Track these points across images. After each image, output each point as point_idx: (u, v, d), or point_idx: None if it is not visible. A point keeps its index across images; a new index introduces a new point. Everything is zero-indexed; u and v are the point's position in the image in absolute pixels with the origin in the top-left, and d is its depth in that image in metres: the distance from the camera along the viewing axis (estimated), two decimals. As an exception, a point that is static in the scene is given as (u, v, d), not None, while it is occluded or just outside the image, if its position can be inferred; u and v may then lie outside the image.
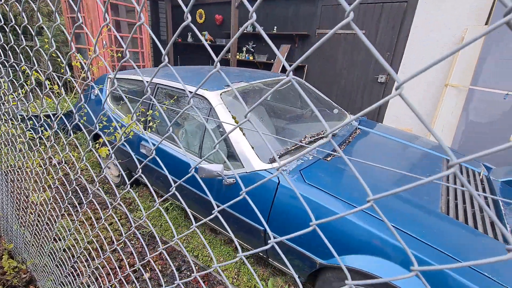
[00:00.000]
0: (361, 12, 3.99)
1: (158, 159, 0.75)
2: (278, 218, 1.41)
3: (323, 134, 1.88)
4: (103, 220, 0.92)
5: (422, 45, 3.54)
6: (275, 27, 4.89)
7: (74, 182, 0.97)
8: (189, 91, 1.88)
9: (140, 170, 0.73)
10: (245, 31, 5.26)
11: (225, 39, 5.65)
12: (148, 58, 4.36)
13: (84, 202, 0.94)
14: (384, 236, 1.14)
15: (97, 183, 0.86)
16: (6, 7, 1.01)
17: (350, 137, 2.03)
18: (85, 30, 0.70)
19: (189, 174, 0.66)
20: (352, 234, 1.21)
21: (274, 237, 0.52)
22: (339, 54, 4.33)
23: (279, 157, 1.57)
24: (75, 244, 1.26)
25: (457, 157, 1.48)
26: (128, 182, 0.80)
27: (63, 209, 1.16)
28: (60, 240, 1.61)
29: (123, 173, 0.93)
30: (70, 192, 1.05)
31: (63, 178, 1.27)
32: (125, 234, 0.96)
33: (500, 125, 2.96)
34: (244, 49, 5.48)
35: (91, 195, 0.95)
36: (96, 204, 0.87)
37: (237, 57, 5.40)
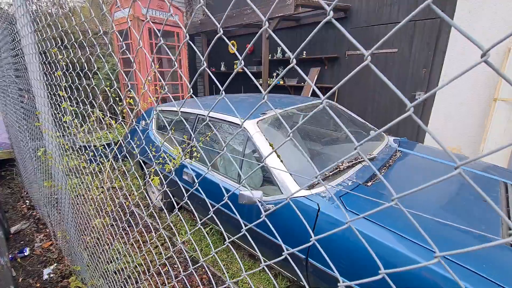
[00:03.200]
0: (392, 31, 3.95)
1: (199, 189, 0.82)
2: (322, 244, 1.38)
3: (361, 158, 1.85)
4: (150, 243, 1.00)
5: (462, 60, 3.37)
6: (304, 52, 5.03)
7: (131, 208, 1.08)
8: (232, 121, 2.00)
9: (186, 198, 0.80)
10: (275, 57, 5.48)
11: (256, 66, 5.93)
12: (187, 89, 4.72)
13: (137, 227, 1.04)
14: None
15: (150, 209, 0.95)
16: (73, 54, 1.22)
17: (390, 160, 1.96)
18: (133, 68, 0.83)
19: (224, 200, 0.72)
20: (398, 263, 1.15)
21: (312, 263, 0.54)
22: (370, 74, 4.28)
23: (317, 183, 1.57)
24: (124, 267, 1.37)
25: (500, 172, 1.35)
26: (176, 207, 0.88)
27: (118, 234, 1.29)
28: (111, 263, 1.75)
29: (173, 199, 1.02)
30: (127, 217, 1.17)
31: (118, 205, 1.41)
32: (166, 256, 1.03)
33: None
34: (275, 74, 5.68)
35: (144, 220, 1.04)
36: (152, 227, 0.95)
37: (269, 82, 5.60)
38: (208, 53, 0.62)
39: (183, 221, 0.79)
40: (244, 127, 1.86)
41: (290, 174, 1.58)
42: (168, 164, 1.44)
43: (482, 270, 1.04)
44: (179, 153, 1.56)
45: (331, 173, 1.65)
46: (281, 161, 1.65)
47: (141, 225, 1.05)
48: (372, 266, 1.21)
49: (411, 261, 1.11)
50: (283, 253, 0.62)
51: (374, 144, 2.18)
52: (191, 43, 0.63)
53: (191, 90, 0.69)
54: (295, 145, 1.96)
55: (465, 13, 3.24)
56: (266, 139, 1.76)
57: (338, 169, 1.69)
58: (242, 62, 0.54)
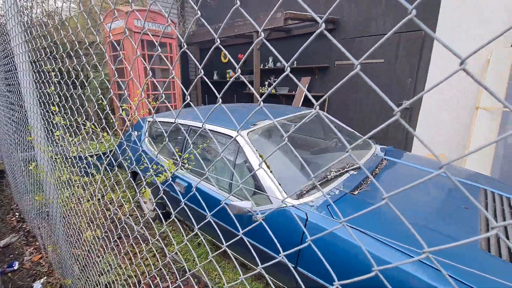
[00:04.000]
0: (378, 42, 4.10)
1: (186, 205, 0.86)
2: (308, 254, 1.42)
3: (348, 167, 1.91)
4: (143, 253, 1.02)
5: (445, 69, 3.52)
6: (295, 62, 5.14)
7: (123, 221, 1.11)
8: (224, 133, 2.04)
9: (178, 209, 0.84)
10: (267, 67, 5.60)
11: (247, 75, 6.02)
12: (179, 99, 4.77)
13: (130, 239, 1.06)
14: (427, 280, 1.12)
15: (141, 223, 0.98)
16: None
17: (377, 169, 2.03)
18: (126, 79, 0.87)
19: (216, 209, 0.76)
20: (390, 274, 1.19)
21: (301, 272, 0.58)
22: (359, 85, 4.40)
23: (305, 193, 1.62)
24: (115, 279, 1.38)
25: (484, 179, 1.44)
26: (165, 220, 0.91)
27: (109, 246, 1.30)
28: (102, 275, 1.75)
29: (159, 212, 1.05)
30: (118, 230, 1.19)
31: (108, 216, 1.42)
32: (157, 269, 1.06)
33: (544, 148, 2.76)
34: (266, 83, 5.78)
35: (136, 233, 1.07)
36: (140, 240, 0.98)
37: (261, 90, 5.69)
38: (204, 63, 0.67)
39: (181, 229, 0.82)
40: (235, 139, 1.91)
41: (279, 184, 1.63)
42: (160, 176, 1.47)
43: (458, 275, 1.09)
44: (171, 164, 1.59)
45: (319, 183, 1.70)
46: (271, 171, 1.70)
47: (132, 237, 1.07)
48: (355, 272, 1.25)
49: (395, 268, 1.16)
50: (279, 255, 0.66)
51: (361, 153, 2.24)
52: (188, 51, 0.68)
53: (188, 97, 0.74)
54: (287, 152, 2.01)
55: (446, 27, 3.40)
56: (256, 150, 1.81)
57: (326, 178, 1.74)
58: (239, 70, 0.59)
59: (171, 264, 1.08)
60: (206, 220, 0.84)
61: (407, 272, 1.14)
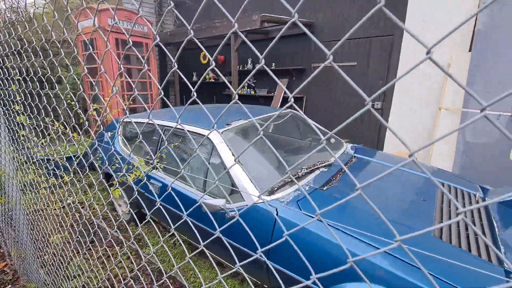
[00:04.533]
0: (353, 46, 4.28)
1: (162, 206, 0.88)
2: (278, 248, 1.47)
3: (319, 164, 1.99)
4: (119, 256, 1.02)
5: (411, 72, 3.74)
6: (273, 64, 5.24)
7: (95, 224, 1.10)
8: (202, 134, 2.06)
9: (154, 209, 0.85)
10: (246, 68, 5.65)
11: (227, 76, 6.04)
12: (155, 97, 4.69)
13: (103, 243, 1.06)
14: (381, 265, 1.20)
15: (115, 226, 0.98)
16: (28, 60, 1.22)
17: (346, 166, 2.13)
18: (99, 77, 0.88)
19: (191, 209, 0.78)
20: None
21: (274, 267, 0.62)
22: (334, 85, 4.56)
23: (276, 189, 1.68)
24: (85, 283, 1.35)
25: (449, 178, 1.55)
26: (138, 222, 0.92)
27: (84, 249, 1.28)
28: (74, 278, 1.70)
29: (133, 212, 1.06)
30: (91, 233, 1.17)
31: (79, 220, 1.39)
32: (132, 273, 1.06)
33: (498, 144, 3.01)
34: (246, 84, 5.82)
35: (109, 237, 1.06)
36: (113, 242, 0.98)
37: (240, 91, 5.72)
38: (177, 57, 0.67)
39: (157, 230, 0.83)
40: (208, 138, 1.93)
41: (251, 181, 1.67)
42: (130, 175, 1.46)
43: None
44: (144, 164, 1.58)
45: (289, 179, 1.77)
46: (243, 169, 1.73)
47: (105, 241, 1.06)
48: (323, 264, 1.32)
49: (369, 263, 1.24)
50: (256, 252, 0.67)
51: (333, 151, 2.34)
52: (165, 50, 0.68)
53: (161, 92, 0.76)
54: (260, 152, 2.06)
55: (414, 22, 3.61)
56: (230, 149, 1.84)
57: (297, 175, 1.81)
58: (213, 62, 0.59)
59: (146, 266, 1.08)
60: (182, 220, 0.86)
61: (370, 261, 1.22)
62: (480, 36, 3.12)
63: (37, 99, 1.33)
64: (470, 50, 3.27)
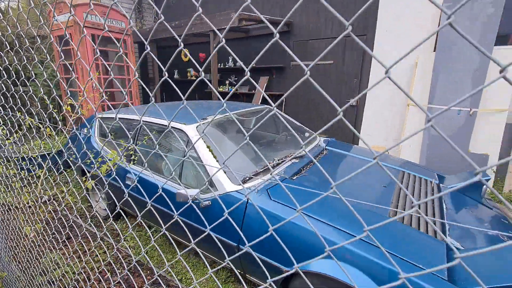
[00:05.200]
0: (328, 45, 4.44)
1: (139, 200, 0.94)
2: (249, 233, 1.56)
3: (290, 156, 2.10)
4: (93, 250, 1.07)
5: (383, 69, 3.94)
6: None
7: (70, 219, 1.14)
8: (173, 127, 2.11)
9: (123, 201, 0.91)
10: (227, 66, 5.70)
11: (208, 74, 6.06)
12: (136, 97, 4.65)
13: (79, 235, 1.10)
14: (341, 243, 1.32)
15: (89, 219, 1.03)
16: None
17: (317, 157, 2.25)
18: (75, 74, 0.92)
19: (157, 194, 0.85)
20: (317, 243, 1.37)
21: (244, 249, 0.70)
22: (312, 84, 4.71)
23: (248, 179, 1.77)
24: (62, 277, 1.38)
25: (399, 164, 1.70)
26: (111, 215, 0.98)
27: (60, 243, 1.30)
28: (47, 273, 1.71)
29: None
30: (66, 227, 1.21)
31: (53, 214, 1.42)
32: (105, 262, 1.11)
33: (459, 138, 3.26)
34: (227, 82, 5.88)
35: (83, 230, 1.11)
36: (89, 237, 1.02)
37: (221, 89, 5.78)
38: (168, 63, 0.72)
39: (128, 222, 0.89)
40: (184, 131, 1.98)
41: (224, 172, 1.75)
42: (104, 166, 1.50)
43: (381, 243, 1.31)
44: (117, 156, 1.61)
45: (261, 170, 1.86)
46: (217, 160, 1.81)
47: (80, 235, 1.10)
48: (292, 248, 1.42)
49: (329, 242, 1.35)
50: (240, 237, 0.73)
51: (306, 144, 2.46)
52: (146, 50, 0.69)
53: (136, 73, 0.81)
54: (234, 145, 2.13)
55: (382, 30, 3.82)
56: (204, 142, 1.91)
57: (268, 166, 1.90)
58: (203, 73, 0.63)
59: (122, 259, 1.13)
60: (147, 208, 0.92)
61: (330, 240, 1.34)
62: (443, 37, 3.35)
63: (7, 95, 1.33)
64: (434, 50, 3.51)
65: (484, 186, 1.89)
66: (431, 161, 3.41)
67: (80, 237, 1.17)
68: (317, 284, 1.36)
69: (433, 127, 0.38)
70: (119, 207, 0.97)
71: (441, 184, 2.01)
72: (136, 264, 0.94)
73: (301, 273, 0.60)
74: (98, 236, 1.08)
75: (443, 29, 3.33)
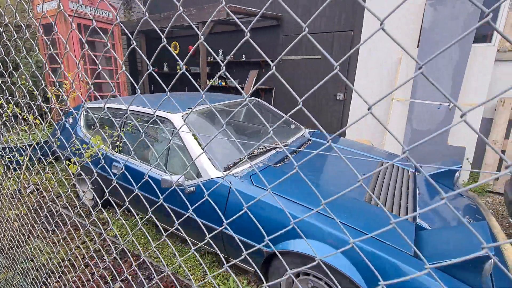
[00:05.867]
0: (317, 39, 4.51)
1: (126, 188, 0.97)
2: (231, 217, 1.62)
3: (274, 145, 2.16)
4: (82, 235, 1.10)
5: (369, 65, 4.05)
6: (243, 55, 5.34)
7: (55, 208, 1.16)
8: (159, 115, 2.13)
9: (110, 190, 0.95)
10: (216, 59, 5.69)
11: (199, 67, 6.05)
12: (123, 88, 4.61)
13: (69, 224, 1.13)
14: (318, 224, 1.39)
15: (78, 207, 1.05)
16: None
17: (301, 147, 2.32)
18: (60, 64, 0.94)
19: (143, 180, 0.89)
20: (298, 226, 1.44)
21: (226, 233, 0.75)
22: (301, 77, 4.78)
23: (232, 165, 1.82)
24: (46, 263, 1.40)
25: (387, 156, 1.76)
26: (100, 202, 1.01)
27: (44, 231, 1.32)
28: (33, 260, 1.72)
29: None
30: (55, 215, 1.23)
31: (41, 202, 1.43)
32: (93, 249, 1.14)
33: (439, 131, 3.39)
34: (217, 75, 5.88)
35: (72, 217, 1.13)
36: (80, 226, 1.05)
37: (208, 82, 5.77)
38: (154, 56, 0.73)
39: (115, 208, 0.92)
40: (170, 120, 2.01)
41: (209, 159, 1.79)
42: (88, 152, 1.52)
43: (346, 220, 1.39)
44: (101, 141, 1.63)
45: (247, 156, 1.91)
46: (202, 148, 1.85)
47: (69, 222, 1.13)
48: (272, 227, 1.48)
49: (305, 223, 1.42)
50: (223, 224, 0.76)
51: (291, 135, 2.53)
52: (133, 45, 0.70)
53: (123, 67, 0.83)
54: (220, 134, 2.18)
55: (369, 26, 3.91)
56: (190, 130, 1.94)
57: (253, 154, 1.96)
58: (184, 67, 0.62)
59: (110, 245, 1.16)
60: (134, 194, 0.96)
61: (307, 221, 1.41)
62: (425, 34, 3.46)
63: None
64: (418, 46, 3.62)
65: (456, 174, 2.00)
66: (413, 153, 3.54)
67: (68, 226, 1.20)
68: (297, 263, 1.44)
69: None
70: (107, 195, 1.01)
71: (416, 173, 2.11)
72: (124, 247, 0.97)
73: (277, 252, 0.65)
74: (86, 225, 1.11)
75: (426, 26, 3.45)
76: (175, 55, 0.72)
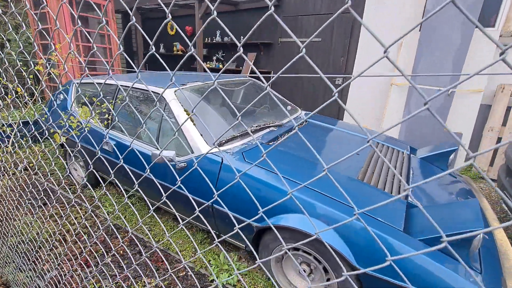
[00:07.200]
0: (317, 22, 4.39)
1: (116, 165, 0.93)
2: (222, 192, 1.60)
3: (269, 124, 2.12)
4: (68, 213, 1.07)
5: (370, 48, 3.96)
6: (241, 37, 5.20)
7: (44, 184, 1.12)
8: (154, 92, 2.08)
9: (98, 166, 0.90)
10: (214, 41, 5.55)
11: (195, 48, 5.90)
12: (117, 67, 4.49)
13: (57, 201, 1.09)
14: (309, 200, 1.37)
15: (62, 182, 1.02)
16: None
17: (297, 127, 2.28)
18: (51, 40, 0.88)
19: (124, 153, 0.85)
20: (288, 202, 1.42)
21: (216, 208, 0.72)
22: (300, 61, 4.68)
23: (225, 142, 1.78)
24: (36, 237, 1.38)
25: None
26: (85, 181, 0.97)
27: (32, 208, 1.29)
28: (23, 234, 1.71)
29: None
30: (41, 192, 1.19)
31: (27, 179, 1.39)
32: (83, 226, 1.12)
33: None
34: (214, 58, 5.75)
35: (58, 193, 1.10)
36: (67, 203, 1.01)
37: (208, 65, 5.66)
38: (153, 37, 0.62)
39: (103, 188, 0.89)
40: (162, 95, 1.95)
41: (201, 135, 1.75)
42: (73, 124, 1.47)
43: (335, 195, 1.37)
44: (87, 114, 1.59)
45: (239, 134, 1.88)
46: (194, 124, 1.81)
47: (64, 200, 1.09)
48: (261, 205, 1.47)
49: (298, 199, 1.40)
50: (213, 195, 0.72)
51: (287, 116, 2.48)
52: (132, 21, 0.63)
53: (121, 46, 0.73)
54: (212, 109, 2.13)
55: (371, 8, 3.79)
56: (182, 105, 1.89)
57: (245, 131, 1.92)
58: (192, 48, 0.56)
59: (99, 224, 1.13)
60: (119, 165, 0.92)
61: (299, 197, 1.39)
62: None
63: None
64: (420, 30, 3.53)
65: (451, 156, 1.99)
66: (410, 137, 3.53)
67: (54, 202, 1.17)
68: (287, 238, 1.43)
69: (429, 111, 0.36)
70: (91, 168, 0.97)
71: (411, 155, 2.09)
72: (113, 226, 0.94)
73: (272, 226, 0.63)
74: (72, 199, 1.08)
75: (429, 7, 3.34)
76: (183, 36, 0.62)
